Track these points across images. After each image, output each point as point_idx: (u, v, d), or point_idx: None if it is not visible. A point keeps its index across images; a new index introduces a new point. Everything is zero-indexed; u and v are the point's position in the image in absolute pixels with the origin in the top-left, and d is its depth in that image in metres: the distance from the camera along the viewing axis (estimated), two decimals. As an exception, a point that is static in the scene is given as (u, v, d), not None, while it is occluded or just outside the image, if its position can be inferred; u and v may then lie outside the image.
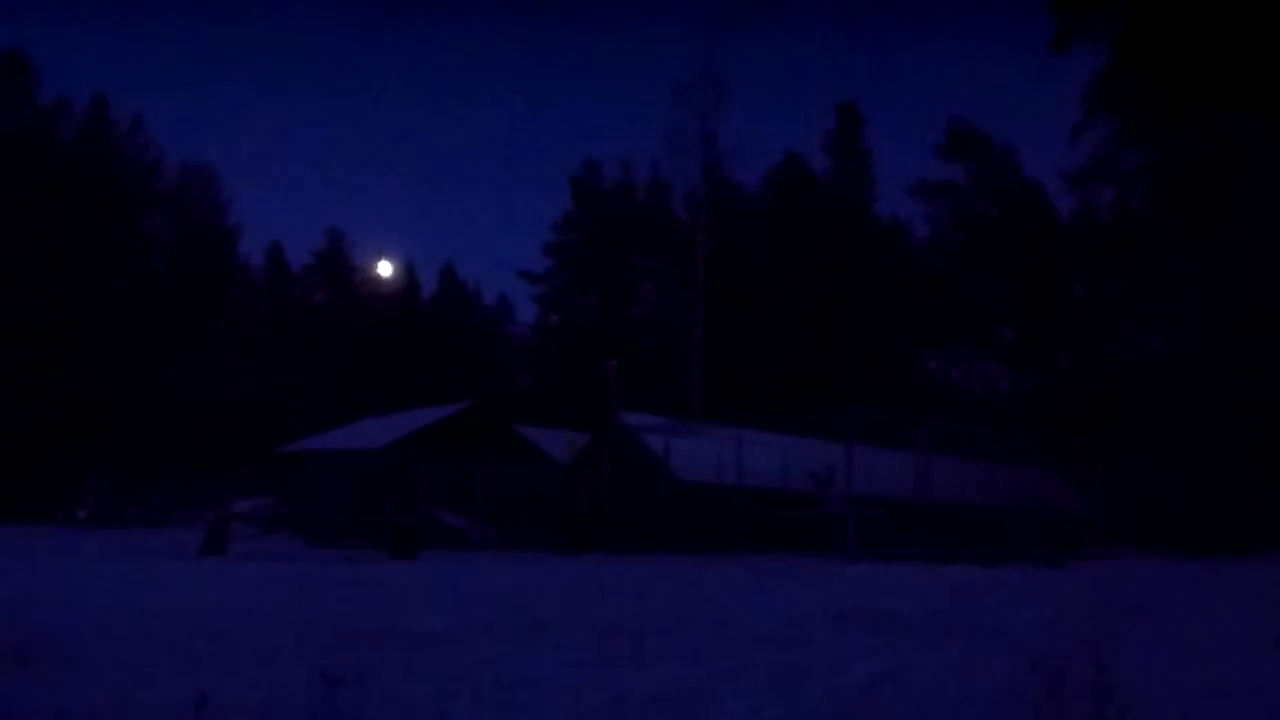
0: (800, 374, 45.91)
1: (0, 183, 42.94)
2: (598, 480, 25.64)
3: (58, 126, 51.00)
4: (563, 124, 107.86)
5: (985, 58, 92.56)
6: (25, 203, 43.01)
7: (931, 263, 54.02)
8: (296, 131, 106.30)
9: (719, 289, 39.88)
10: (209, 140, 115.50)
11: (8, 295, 41.59)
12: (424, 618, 6.94)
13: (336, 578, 11.40)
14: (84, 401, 42.56)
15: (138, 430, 42.83)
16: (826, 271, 50.54)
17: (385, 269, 64.89)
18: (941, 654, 5.36)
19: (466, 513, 26.43)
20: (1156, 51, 29.18)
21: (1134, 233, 34.37)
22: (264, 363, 51.96)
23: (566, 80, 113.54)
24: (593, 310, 60.26)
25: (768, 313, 48.73)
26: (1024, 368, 52.53)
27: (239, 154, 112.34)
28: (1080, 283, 48.52)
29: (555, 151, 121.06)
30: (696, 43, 69.91)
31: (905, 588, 10.83)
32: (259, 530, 21.19)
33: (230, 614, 7.06)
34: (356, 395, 47.79)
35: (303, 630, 6.03)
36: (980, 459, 23.46)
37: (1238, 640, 6.38)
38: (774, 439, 24.93)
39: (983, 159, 53.66)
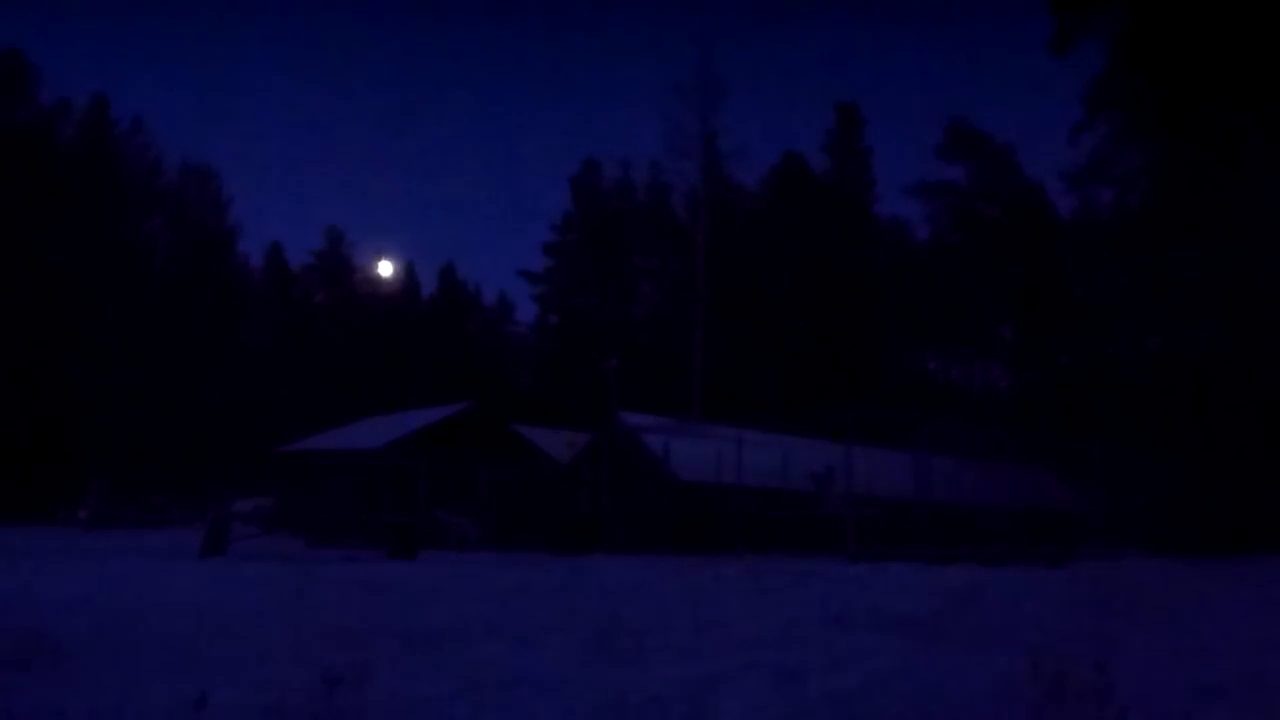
0: (800, 374, 45.93)
1: (0, 183, 42.95)
2: (598, 480, 25.65)
3: (58, 126, 51.07)
4: (563, 124, 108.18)
5: (985, 58, 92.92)
6: (25, 203, 43.03)
7: (931, 263, 54.04)
8: (296, 131, 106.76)
9: (719, 289, 39.89)
10: (209, 140, 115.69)
11: (8, 295, 41.60)
12: (424, 618, 6.94)
13: (336, 578, 11.39)
14: (84, 402, 42.56)
15: (138, 431, 42.83)
16: (826, 271, 50.57)
17: (385, 269, 65.03)
18: (941, 654, 5.36)
19: (466, 513, 26.44)
20: (1156, 51, 29.16)
21: (1134, 233, 34.32)
22: (264, 362, 52.03)
23: (566, 80, 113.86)
24: (593, 310, 60.29)
25: (768, 313, 48.77)
26: (1024, 368, 52.54)
27: (239, 154, 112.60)
28: (1080, 283, 48.48)
29: (555, 151, 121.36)
30: (696, 43, 69.88)
31: (905, 588, 10.82)
32: (259, 530, 21.18)
33: (230, 614, 7.05)
34: (356, 395, 47.83)
35: (303, 630, 6.03)
36: (980, 459, 23.46)
37: (1238, 640, 6.37)
38: (774, 439, 24.93)
39: (983, 159, 53.71)
